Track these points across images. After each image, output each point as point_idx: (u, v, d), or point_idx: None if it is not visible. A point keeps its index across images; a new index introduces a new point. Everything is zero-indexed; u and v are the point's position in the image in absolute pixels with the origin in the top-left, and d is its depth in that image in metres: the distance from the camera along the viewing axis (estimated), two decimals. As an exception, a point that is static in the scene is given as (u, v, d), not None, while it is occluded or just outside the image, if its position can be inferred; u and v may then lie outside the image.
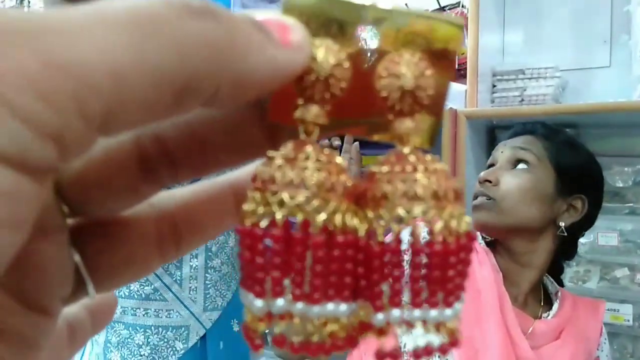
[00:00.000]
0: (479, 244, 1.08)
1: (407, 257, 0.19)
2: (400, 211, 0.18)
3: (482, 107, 1.68)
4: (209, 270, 1.10)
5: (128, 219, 0.20)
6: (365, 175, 0.20)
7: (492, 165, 1.10)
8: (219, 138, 0.20)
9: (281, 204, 0.18)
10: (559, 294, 1.09)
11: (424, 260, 0.18)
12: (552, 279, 1.13)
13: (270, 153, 0.19)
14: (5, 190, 0.13)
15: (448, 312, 0.19)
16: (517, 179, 1.03)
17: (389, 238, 0.18)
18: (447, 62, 0.21)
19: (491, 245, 1.09)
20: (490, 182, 1.04)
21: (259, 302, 0.17)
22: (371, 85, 0.21)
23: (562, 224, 1.03)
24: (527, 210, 1.01)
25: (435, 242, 0.18)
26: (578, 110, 1.49)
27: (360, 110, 0.22)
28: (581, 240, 1.31)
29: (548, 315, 1.05)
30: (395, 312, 0.18)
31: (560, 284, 1.15)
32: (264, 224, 0.18)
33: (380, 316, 0.18)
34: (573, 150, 1.07)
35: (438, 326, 0.19)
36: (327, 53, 0.20)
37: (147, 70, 0.14)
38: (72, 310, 0.21)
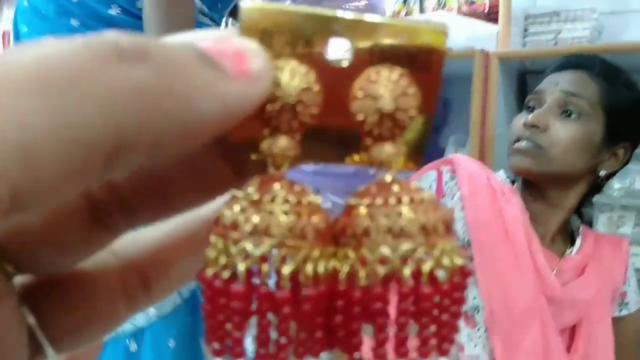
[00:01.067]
0: (504, 182, 1.06)
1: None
2: (385, 250, 0.16)
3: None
4: None
5: (87, 273, 0.19)
6: (344, 208, 0.18)
7: (537, 96, 1.03)
8: (177, 175, 0.18)
9: (244, 254, 0.16)
10: (581, 230, 1.08)
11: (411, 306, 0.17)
12: (575, 216, 1.11)
13: (234, 192, 0.17)
14: None
15: None
16: (568, 128, 0.97)
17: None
18: (432, 70, 0.19)
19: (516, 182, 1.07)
20: (538, 127, 0.98)
21: None
22: (345, 100, 0.18)
23: (602, 172, 1.01)
24: (572, 160, 0.97)
25: (425, 284, 0.16)
26: (617, 49, 1.41)
27: (335, 133, 0.19)
28: (615, 185, 1.27)
29: (571, 252, 1.04)
30: (379, 365, 0.16)
31: (582, 218, 1.14)
32: (225, 275, 0.16)
33: None
34: (630, 93, 1.01)
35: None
36: (292, 77, 0.17)
37: (66, 136, 0.12)
38: None
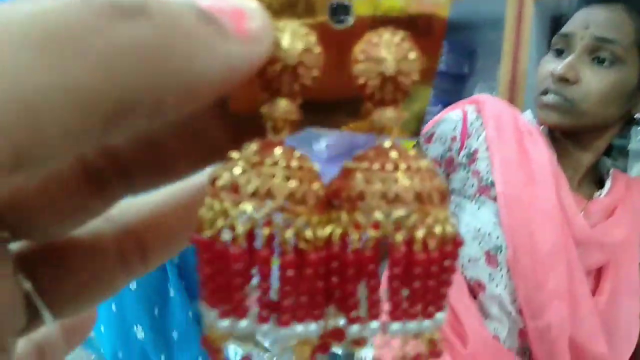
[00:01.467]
0: (532, 122, 1.02)
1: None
2: (378, 215, 0.17)
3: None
4: None
5: (83, 238, 0.19)
6: (341, 171, 0.19)
7: (565, 40, 0.94)
8: (176, 141, 0.18)
9: (244, 217, 0.16)
10: (611, 172, 1.03)
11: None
12: (605, 158, 1.06)
13: (232, 154, 0.17)
14: None
15: (427, 323, 0.18)
16: (600, 78, 0.89)
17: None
18: (433, 37, 0.19)
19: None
20: (567, 80, 0.90)
21: (224, 322, 0.16)
22: (346, 66, 0.18)
23: (638, 115, 0.96)
24: (604, 111, 0.91)
25: (417, 251, 0.17)
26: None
27: (334, 95, 0.19)
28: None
29: (600, 194, 1.01)
30: (373, 324, 0.17)
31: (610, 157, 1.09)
32: (225, 237, 0.16)
33: (354, 328, 0.17)
34: None
35: (417, 337, 0.18)
36: (293, 38, 0.17)
37: (67, 94, 0.12)
38: (40, 331, 0.19)
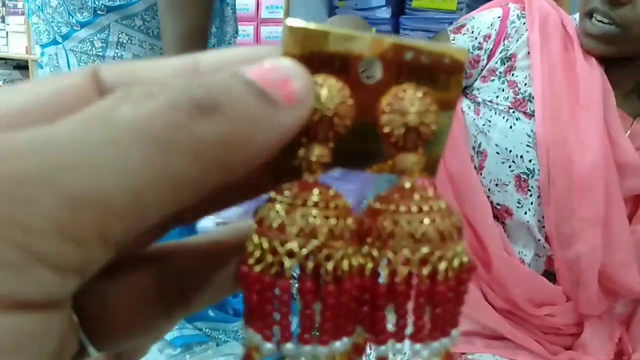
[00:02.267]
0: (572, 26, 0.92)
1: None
2: (407, 252, 0.20)
3: None
4: None
5: (125, 277, 0.21)
6: (367, 210, 0.21)
7: None
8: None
9: (290, 254, 0.19)
10: None
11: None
12: None
13: (274, 195, 0.20)
14: (32, 333, 0.14)
15: (445, 341, 0.21)
16: None
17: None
18: (450, 93, 0.21)
19: None
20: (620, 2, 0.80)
21: (268, 345, 0.19)
22: (373, 118, 0.21)
23: None
24: None
25: (439, 282, 0.20)
26: None
27: (361, 143, 0.22)
28: None
29: None
30: (398, 346, 0.20)
31: None
32: (273, 271, 0.19)
33: (383, 349, 0.21)
34: None
35: (436, 354, 0.21)
36: (330, 92, 0.20)
37: (167, 184, 0.15)
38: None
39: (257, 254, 0.19)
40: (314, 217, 0.19)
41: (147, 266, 0.22)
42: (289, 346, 0.20)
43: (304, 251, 0.19)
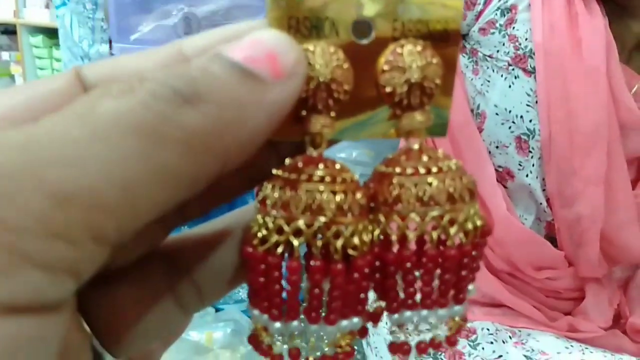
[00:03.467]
0: None
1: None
2: (415, 216, 0.19)
3: None
4: None
5: (133, 277, 0.20)
6: (374, 174, 0.20)
7: None
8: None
9: (297, 232, 0.18)
10: None
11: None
12: None
13: (277, 172, 0.19)
14: (29, 338, 0.13)
15: (457, 308, 0.20)
16: None
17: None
18: (450, 45, 0.20)
19: None
20: None
21: (277, 324, 0.19)
22: (371, 80, 0.20)
23: None
24: None
25: (450, 247, 0.19)
26: None
27: (363, 109, 0.21)
28: None
29: None
30: (408, 314, 0.20)
31: None
32: (279, 251, 0.18)
33: (395, 317, 0.20)
34: None
35: (447, 322, 0.20)
36: (324, 57, 0.19)
37: (156, 176, 0.14)
38: None
39: (262, 233, 0.18)
40: (321, 192, 0.18)
41: (156, 263, 0.21)
42: (295, 324, 0.19)
43: (312, 229, 0.18)
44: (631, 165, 0.88)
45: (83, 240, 0.14)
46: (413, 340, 0.21)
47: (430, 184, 0.19)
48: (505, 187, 0.91)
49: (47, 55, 2.73)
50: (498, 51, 0.87)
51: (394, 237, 0.19)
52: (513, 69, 0.86)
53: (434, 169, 0.19)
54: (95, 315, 0.20)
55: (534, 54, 0.84)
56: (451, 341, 0.21)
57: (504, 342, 0.79)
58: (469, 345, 0.79)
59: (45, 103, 0.18)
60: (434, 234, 0.19)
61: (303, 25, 0.19)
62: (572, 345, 0.78)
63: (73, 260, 0.14)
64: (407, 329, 0.20)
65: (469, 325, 0.83)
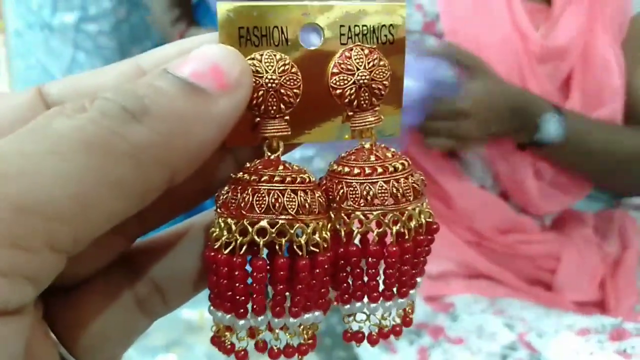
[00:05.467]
0: None
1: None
2: (359, 214, 0.21)
3: None
4: None
5: (97, 289, 0.22)
6: (328, 173, 0.22)
7: None
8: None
9: (261, 232, 0.19)
10: None
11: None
12: None
13: (236, 176, 0.20)
14: None
15: (402, 301, 0.22)
16: None
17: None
18: (396, 50, 0.22)
19: None
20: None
21: (242, 322, 0.20)
22: (322, 86, 0.21)
23: None
24: None
25: (391, 245, 0.21)
26: None
27: (316, 114, 0.22)
28: None
29: None
30: (358, 304, 0.22)
31: None
32: (242, 252, 0.19)
33: (347, 307, 0.22)
34: None
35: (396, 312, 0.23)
36: (269, 63, 0.20)
37: (111, 187, 0.16)
38: None
39: (225, 236, 0.20)
40: (281, 191, 0.20)
41: (118, 271, 0.22)
42: (260, 319, 0.20)
43: (276, 229, 0.19)
44: (560, 91, 0.87)
45: (41, 249, 0.15)
46: (366, 329, 0.23)
47: (374, 184, 0.21)
48: (460, 159, 0.89)
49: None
50: (410, 24, 0.86)
51: (342, 233, 0.21)
52: (425, 37, 0.86)
53: (380, 169, 0.21)
54: (61, 323, 0.21)
55: (439, 17, 0.84)
56: (396, 331, 0.23)
57: (482, 311, 0.80)
58: (449, 318, 0.81)
59: (8, 118, 0.19)
60: (376, 232, 0.21)
61: (253, 35, 0.20)
62: (551, 311, 0.79)
63: (32, 268, 0.15)
64: (358, 319, 0.22)
65: (447, 299, 0.84)
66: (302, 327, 0.21)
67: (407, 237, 0.21)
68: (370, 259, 0.21)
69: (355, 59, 0.21)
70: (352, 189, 0.21)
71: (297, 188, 0.20)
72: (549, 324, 0.76)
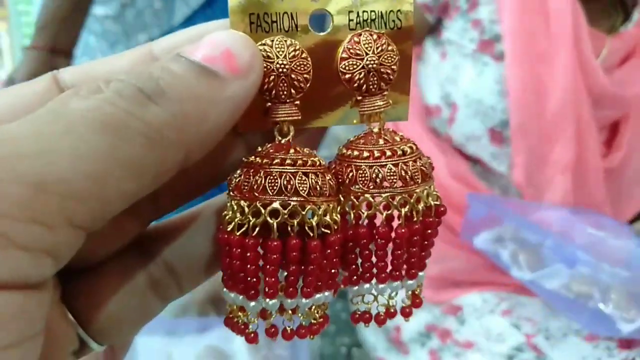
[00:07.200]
0: None
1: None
2: (368, 197, 0.21)
3: None
4: None
5: (113, 272, 0.22)
6: (337, 156, 0.23)
7: None
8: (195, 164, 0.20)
9: (274, 213, 0.20)
10: None
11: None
12: None
13: (249, 159, 0.21)
14: (13, 312, 0.15)
15: (411, 282, 0.23)
16: None
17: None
18: (404, 36, 0.22)
19: None
20: None
21: (253, 303, 0.21)
22: (331, 71, 0.22)
23: None
24: None
25: (400, 226, 0.21)
26: None
27: (326, 98, 0.23)
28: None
29: (627, 27, 0.86)
30: (366, 286, 0.22)
31: None
32: (254, 233, 0.20)
33: (355, 289, 0.22)
34: None
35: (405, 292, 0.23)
36: (280, 49, 0.20)
37: (124, 167, 0.16)
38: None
39: (238, 218, 0.20)
40: (293, 174, 0.20)
41: (134, 254, 0.23)
42: (273, 301, 0.21)
43: (288, 210, 0.20)
44: (603, 131, 0.88)
45: (59, 225, 0.15)
46: (374, 310, 0.23)
47: (383, 167, 0.21)
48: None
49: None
50: (462, 39, 0.85)
51: (350, 215, 0.22)
52: (480, 55, 0.84)
53: (389, 153, 0.21)
54: (78, 306, 0.21)
55: (500, 38, 0.82)
56: (406, 312, 0.23)
57: (491, 312, 0.80)
58: (456, 322, 0.81)
59: (25, 105, 0.20)
60: (385, 214, 0.22)
61: (263, 21, 0.21)
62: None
63: (51, 243, 0.15)
64: (366, 300, 0.23)
65: (455, 302, 0.84)
66: (313, 307, 0.22)
67: (415, 219, 0.22)
68: (379, 240, 0.22)
69: (364, 44, 0.21)
70: (361, 171, 0.21)
71: (308, 171, 0.20)
72: (557, 327, 0.76)
